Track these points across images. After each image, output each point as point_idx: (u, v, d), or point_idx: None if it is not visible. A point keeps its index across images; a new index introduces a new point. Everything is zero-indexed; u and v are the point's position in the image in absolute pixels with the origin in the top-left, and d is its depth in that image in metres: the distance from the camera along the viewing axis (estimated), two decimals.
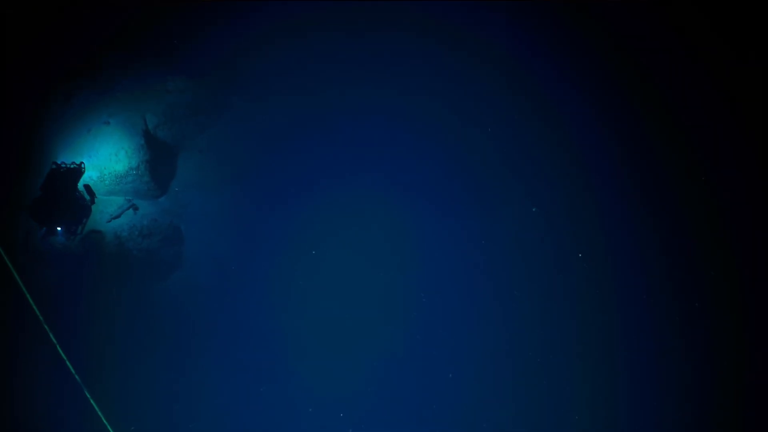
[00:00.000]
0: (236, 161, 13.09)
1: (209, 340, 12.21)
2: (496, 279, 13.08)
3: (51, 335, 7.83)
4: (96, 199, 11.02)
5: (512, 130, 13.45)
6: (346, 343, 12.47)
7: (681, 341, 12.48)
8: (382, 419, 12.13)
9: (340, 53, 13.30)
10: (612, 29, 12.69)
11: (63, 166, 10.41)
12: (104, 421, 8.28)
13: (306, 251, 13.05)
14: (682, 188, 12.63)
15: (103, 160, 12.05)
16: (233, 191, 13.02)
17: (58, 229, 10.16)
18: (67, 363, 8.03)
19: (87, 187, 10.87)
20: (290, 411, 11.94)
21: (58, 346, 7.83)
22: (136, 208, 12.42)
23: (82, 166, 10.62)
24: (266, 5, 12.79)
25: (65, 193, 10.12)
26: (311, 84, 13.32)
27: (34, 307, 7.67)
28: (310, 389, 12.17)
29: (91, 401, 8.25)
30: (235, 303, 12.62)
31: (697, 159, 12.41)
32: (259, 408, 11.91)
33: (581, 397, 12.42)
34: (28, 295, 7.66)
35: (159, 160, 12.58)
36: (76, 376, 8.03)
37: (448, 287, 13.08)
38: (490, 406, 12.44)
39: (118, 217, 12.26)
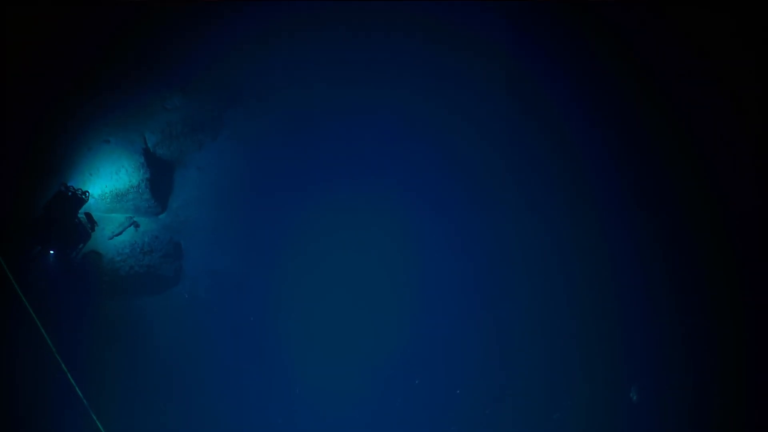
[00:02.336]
0: (235, 177, 13.29)
1: (210, 353, 12.25)
2: (496, 280, 13.10)
3: (52, 346, 7.93)
4: (96, 227, 11.19)
5: (513, 131, 13.54)
6: (348, 353, 12.52)
7: (681, 342, 12.43)
8: (385, 424, 12.11)
9: (336, 62, 13.52)
10: (612, 29, 12.77)
11: (71, 190, 10.60)
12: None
13: (308, 265, 13.13)
14: (682, 188, 12.63)
15: (104, 179, 12.28)
16: (232, 206, 13.21)
17: (51, 252, 10.35)
18: (69, 376, 8.11)
19: (88, 215, 11.06)
20: (292, 421, 11.91)
21: (57, 355, 7.93)
22: (137, 226, 12.61)
23: (86, 195, 10.82)
24: (260, 20, 13.04)
25: (63, 219, 10.30)
26: (308, 98, 13.54)
27: (36, 319, 7.80)
28: (313, 400, 12.16)
29: (93, 416, 8.29)
30: (236, 316, 12.70)
31: (697, 159, 12.42)
32: (260, 420, 11.89)
33: (580, 399, 12.36)
34: (28, 306, 7.80)
35: (159, 178, 12.80)
36: (77, 388, 8.10)
37: (447, 288, 13.12)
38: (490, 407, 12.40)
39: (119, 234, 12.45)
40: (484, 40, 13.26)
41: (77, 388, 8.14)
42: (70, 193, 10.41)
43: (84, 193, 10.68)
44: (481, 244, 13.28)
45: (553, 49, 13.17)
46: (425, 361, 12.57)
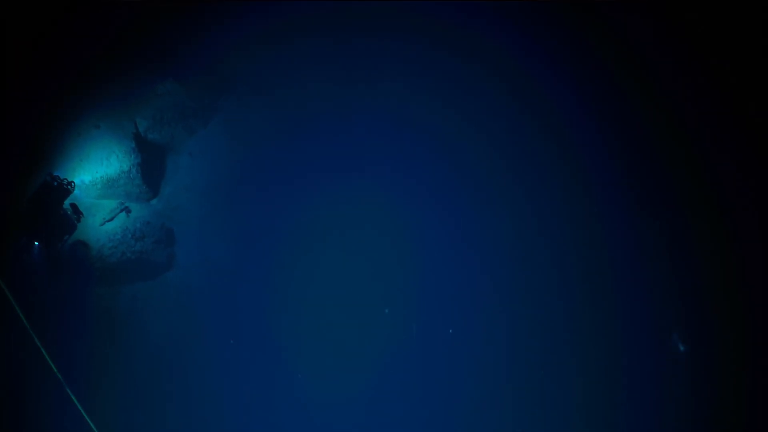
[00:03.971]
0: (226, 163, 13.15)
1: (202, 340, 12.28)
2: (496, 279, 13.05)
3: (36, 339, 7.92)
4: (82, 217, 11.05)
5: (513, 131, 13.37)
6: (341, 344, 12.55)
7: (681, 342, 12.38)
8: (381, 421, 12.16)
9: (333, 54, 13.24)
10: (612, 29, 12.51)
11: (57, 180, 10.43)
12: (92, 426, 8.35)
13: (299, 252, 13.06)
14: (682, 188, 12.49)
15: (95, 164, 12.15)
16: (224, 193, 13.09)
17: (36, 243, 10.24)
18: (54, 368, 8.12)
19: (74, 205, 10.91)
20: (283, 412, 11.97)
21: (43, 350, 7.92)
22: (128, 211, 12.52)
23: (72, 185, 10.63)
24: (256, 8, 12.75)
25: (48, 211, 10.17)
26: (302, 86, 13.31)
27: (19, 310, 7.77)
28: (306, 391, 12.22)
29: (80, 408, 8.32)
30: (228, 304, 12.70)
31: (698, 159, 12.24)
32: (252, 408, 11.96)
33: (580, 399, 12.39)
34: (12, 299, 7.77)
35: (150, 163, 12.65)
36: (62, 380, 8.11)
37: (446, 287, 13.06)
38: (489, 407, 12.45)
39: (111, 220, 12.37)
40: (484, 40, 12.94)
41: (64, 382, 8.15)
42: (55, 184, 10.26)
43: (69, 183, 10.52)
44: (481, 245, 13.20)
45: (553, 50, 12.87)
46: (422, 355, 12.59)
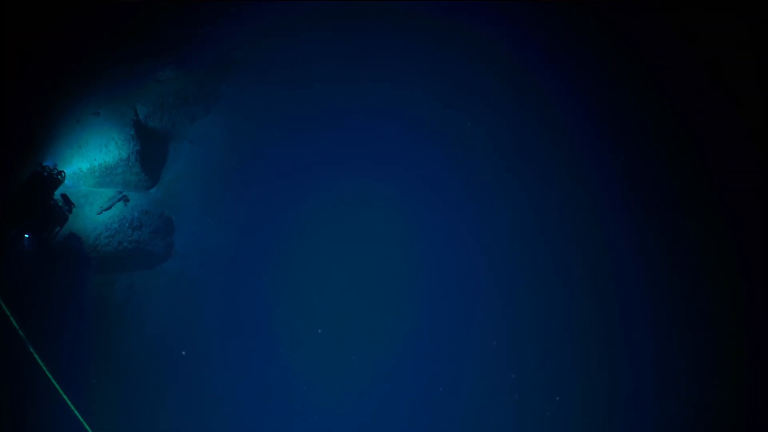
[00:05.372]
0: (227, 152, 12.95)
1: (200, 332, 12.16)
2: (496, 277, 12.89)
3: (23, 334, 7.78)
4: (74, 208, 10.77)
5: (514, 130, 13.21)
6: (339, 338, 12.45)
7: (681, 342, 12.29)
8: (377, 417, 12.05)
9: (335, 48, 13.21)
10: (612, 28, 12.34)
11: (47, 170, 10.16)
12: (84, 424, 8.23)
13: (299, 242, 12.90)
14: (682, 187, 12.34)
15: (93, 151, 11.93)
16: (224, 182, 12.89)
17: (26, 235, 9.98)
18: (42, 365, 7.98)
19: (65, 196, 10.53)
20: (281, 407, 11.88)
21: (30, 346, 7.79)
22: (126, 200, 12.32)
23: (62, 175, 10.29)
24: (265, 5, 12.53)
25: (38, 201, 9.90)
26: (304, 74, 13.15)
27: (5, 307, 7.61)
28: (304, 385, 12.12)
29: (69, 403, 8.20)
30: (226, 294, 12.57)
31: (698, 157, 12.05)
32: (251, 401, 11.87)
33: (581, 398, 12.30)
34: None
35: (149, 151, 12.43)
36: (51, 378, 7.98)
37: (446, 285, 12.90)
38: (489, 406, 12.36)
39: (108, 208, 12.17)
40: (484, 39, 12.94)
41: (54, 381, 8.01)
42: (45, 173, 10.00)
43: (60, 173, 10.24)
44: (480, 242, 13.01)
45: (554, 49, 12.72)
46: (422, 356, 12.45)
